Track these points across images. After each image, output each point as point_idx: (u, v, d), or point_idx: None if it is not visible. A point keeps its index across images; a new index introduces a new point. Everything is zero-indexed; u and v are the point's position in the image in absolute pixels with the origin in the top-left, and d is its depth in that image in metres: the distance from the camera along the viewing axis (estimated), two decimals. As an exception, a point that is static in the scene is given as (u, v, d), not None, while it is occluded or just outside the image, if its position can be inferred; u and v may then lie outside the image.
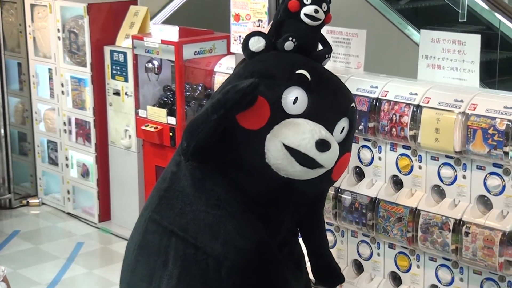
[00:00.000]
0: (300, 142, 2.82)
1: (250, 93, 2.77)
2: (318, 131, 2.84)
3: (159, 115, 5.49)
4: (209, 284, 2.89)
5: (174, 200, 2.97)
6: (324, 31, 3.26)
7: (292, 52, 3.04)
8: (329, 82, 3.03)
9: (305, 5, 3.06)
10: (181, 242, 2.91)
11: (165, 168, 3.11)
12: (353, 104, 3.07)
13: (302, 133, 2.82)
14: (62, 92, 6.32)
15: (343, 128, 2.98)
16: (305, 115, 2.87)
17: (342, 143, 2.98)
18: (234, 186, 2.93)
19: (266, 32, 3.11)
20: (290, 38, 3.02)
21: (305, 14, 3.06)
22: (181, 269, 2.89)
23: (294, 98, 2.86)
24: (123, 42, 5.91)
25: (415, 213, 3.76)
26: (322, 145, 2.82)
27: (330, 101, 2.96)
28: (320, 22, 3.09)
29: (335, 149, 2.89)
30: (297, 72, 2.91)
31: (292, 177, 2.89)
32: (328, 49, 3.18)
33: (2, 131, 6.62)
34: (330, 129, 2.91)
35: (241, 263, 2.88)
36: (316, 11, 3.05)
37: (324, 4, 3.09)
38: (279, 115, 2.85)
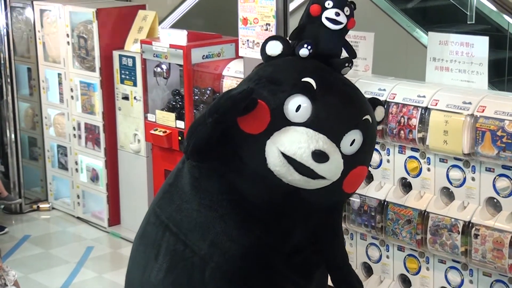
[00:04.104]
0: (295, 151, 2.76)
1: (241, 101, 2.74)
2: (315, 141, 2.77)
3: (168, 119, 5.51)
4: (194, 283, 2.90)
5: (174, 195, 3.01)
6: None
7: (310, 57, 2.97)
8: (339, 92, 2.92)
9: (327, 8, 2.99)
10: (173, 238, 2.95)
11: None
12: (367, 117, 2.91)
13: (298, 142, 2.76)
14: (72, 97, 6.34)
15: (353, 140, 2.85)
16: (307, 124, 2.80)
17: (353, 156, 2.86)
18: (231, 190, 2.91)
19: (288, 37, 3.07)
20: (305, 45, 2.95)
21: (326, 18, 2.99)
22: (170, 264, 2.93)
23: (296, 105, 2.80)
24: (132, 46, 5.93)
25: (424, 215, 3.75)
26: (319, 155, 2.75)
27: (337, 111, 2.86)
28: (342, 26, 3.00)
29: (335, 161, 2.80)
30: (303, 79, 2.85)
31: (295, 185, 2.84)
32: (349, 57, 3.06)
33: (13, 136, 6.66)
34: (336, 140, 2.81)
35: (225, 266, 2.88)
36: (337, 14, 2.98)
37: (346, 8, 3.01)
38: (280, 121, 2.80)
